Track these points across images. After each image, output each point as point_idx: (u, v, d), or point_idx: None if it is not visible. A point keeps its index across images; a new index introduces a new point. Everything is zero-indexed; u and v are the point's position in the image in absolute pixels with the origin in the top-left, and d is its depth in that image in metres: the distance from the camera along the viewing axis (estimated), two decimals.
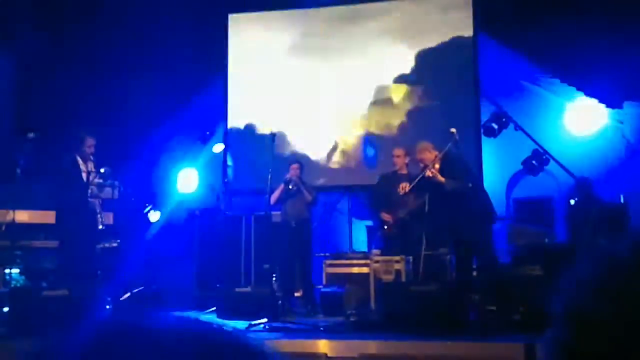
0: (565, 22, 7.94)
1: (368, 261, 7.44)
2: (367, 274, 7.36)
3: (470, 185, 6.73)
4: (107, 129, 7.72)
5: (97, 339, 0.62)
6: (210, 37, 9.77)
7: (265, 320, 6.16)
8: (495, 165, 8.86)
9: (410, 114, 9.30)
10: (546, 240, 7.87)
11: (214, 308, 7.24)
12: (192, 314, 6.66)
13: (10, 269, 7.09)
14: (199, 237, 8.93)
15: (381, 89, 9.43)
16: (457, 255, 6.95)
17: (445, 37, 9.20)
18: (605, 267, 0.75)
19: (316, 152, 9.49)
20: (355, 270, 7.54)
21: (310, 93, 9.60)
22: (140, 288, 7.41)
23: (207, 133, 9.79)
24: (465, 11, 9.13)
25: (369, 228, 8.85)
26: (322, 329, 5.96)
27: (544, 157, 8.39)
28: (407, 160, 7.59)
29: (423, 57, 9.28)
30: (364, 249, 8.45)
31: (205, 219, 9.05)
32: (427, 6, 9.36)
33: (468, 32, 9.09)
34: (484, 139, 8.62)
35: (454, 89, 9.04)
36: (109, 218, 7.67)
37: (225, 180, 9.48)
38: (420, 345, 5.11)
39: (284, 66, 9.66)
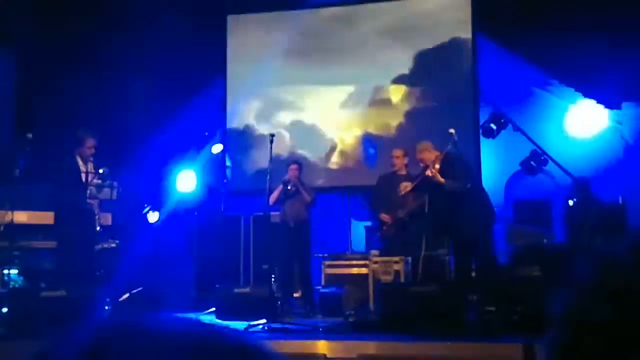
0: (563, 23, 7.96)
1: (367, 262, 7.44)
2: (366, 275, 7.36)
3: (469, 185, 6.74)
4: (106, 130, 7.71)
5: (95, 340, 0.61)
6: (210, 38, 9.77)
7: (264, 321, 6.15)
8: (494, 166, 8.87)
9: (408, 114, 9.31)
10: (545, 240, 7.88)
11: (213, 309, 7.24)
12: (191, 315, 6.66)
13: (9, 269, 7.07)
14: (198, 238, 8.93)
15: (380, 90, 9.43)
16: (456, 256, 6.96)
17: (444, 38, 9.20)
18: (604, 268, 0.75)
19: (315, 153, 9.49)
20: (354, 270, 7.54)
21: (309, 94, 9.61)
22: (139, 289, 7.40)
23: (206, 134, 9.79)
24: (464, 12, 9.13)
25: (368, 229, 8.86)
26: (321, 329, 5.96)
27: (543, 157, 8.39)
28: (406, 161, 7.59)
29: (422, 58, 9.28)
30: (363, 249, 8.45)
31: (204, 220, 9.05)
32: (426, 7, 9.36)
33: (467, 33, 9.10)
34: (482, 139, 8.62)
35: (453, 90, 9.04)
36: (107, 219, 7.66)
37: (224, 180, 9.47)
38: (419, 345, 5.11)
39: (282, 67, 9.66)
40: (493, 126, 8.49)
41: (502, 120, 8.43)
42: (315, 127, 9.56)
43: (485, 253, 6.79)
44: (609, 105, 8.53)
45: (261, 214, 7.88)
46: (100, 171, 6.93)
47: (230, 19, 10.03)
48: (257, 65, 9.71)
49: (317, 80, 9.56)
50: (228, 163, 9.70)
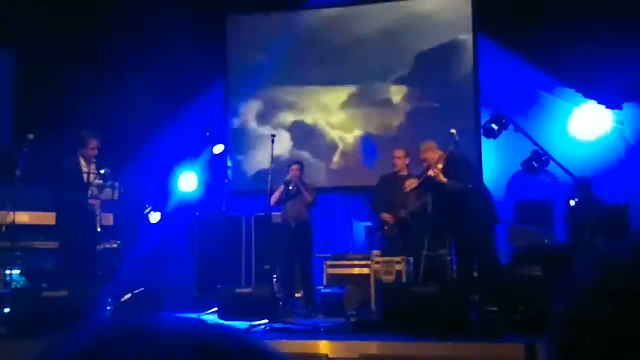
0: (564, 23, 7.95)
1: (368, 262, 7.44)
2: (368, 275, 7.36)
3: (470, 186, 6.73)
4: (107, 130, 7.72)
5: (97, 340, 0.61)
6: (210, 39, 9.78)
7: (265, 321, 6.16)
8: (495, 166, 8.86)
9: (409, 114, 9.31)
10: (546, 240, 7.87)
11: (215, 309, 7.24)
12: (193, 315, 6.66)
13: (11, 269, 7.08)
14: (200, 238, 8.93)
15: (380, 90, 9.43)
16: (457, 256, 6.95)
17: (445, 39, 9.20)
18: (605, 268, 0.75)
19: (316, 153, 9.49)
20: (356, 271, 7.54)
21: (310, 94, 9.61)
22: (141, 289, 7.40)
23: (207, 134, 9.79)
24: (465, 12, 9.13)
25: (369, 229, 8.85)
26: (322, 329, 5.95)
27: (544, 158, 8.38)
28: (407, 161, 7.60)
29: (422, 58, 9.28)
30: (365, 249, 8.45)
31: (205, 220, 9.05)
32: (426, 7, 9.36)
33: (467, 33, 9.09)
34: (483, 140, 8.61)
35: (453, 90, 9.04)
36: (109, 219, 7.67)
37: (225, 181, 9.48)
38: (421, 345, 5.11)
39: (283, 67, 9.66)
40: (494, 126, 8.48)
41: (504, 121, 8.43)
42: (316, 128, 9.56)
43: (487, 253, 6.78)
44: (609, 105, 8.52)
45: (262, 214, 7.88)
46: (102, 171, 6.93)
47: (231, 19, 10.03)
48: (258, 65, 9.71)
49: (318, 81, 9.56)
50: (229, 163, 9.71)
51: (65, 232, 6.96)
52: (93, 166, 7.02)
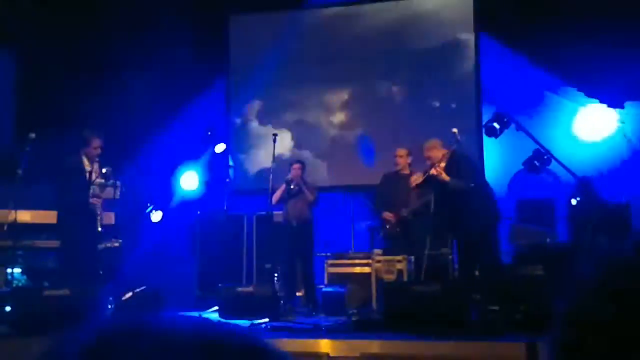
0: (565, 22, 7.94)
1: (370, 261, 7.44)
2: (369, 274, 7.36)
3: (472, 185, 6.72)
4: (109, 129, 7.72)
5: (99, 339, 0.61)
6: (211, 38, 9.78)
7: (267, 320, 6.16)
8: (497, 165, 8.85)
9: (411, 114, 9.30)
10: (548, 240, 7.86)
11: (216, 308, 7.25)
12: (194, 314, 6.67)
13: (12, 268, 7.09)
14: (201, 237, 8.94)
15: (382, 89, 9.43)
16: (459, 255, 6.95)
17: (446, 38, 9.20)
18: (607, 267, 0.75)
19: (317, 152, 9.49)
20: (357, 270, 7.54)
21: (311, 93, 9.61)
22: (142, 288, 7.41)
23: (209, 133, 9.80)
24: (466, 11, 9.12)
25: (370, 228, 8.85)
26: (323, 328, 5.95)
27: (546, 157, 8.37)
28: (409, 160, 7.60)
29: (423, 58, 9.27)
30: (366, 248, 8.45)
31: (206, 219, 9.06)
32: (427, 7, 9.36)
33: (469, 32, 9.09)
34: (485, 139, 8.61)
35: (455, 89, 9.04)
36: (110, 218, 7.68)
37: (227, 180, 9.48)
38: (422, 344, 5.10)
39: (284, 67, 9.66)
40: (496, 125, 8.48)
41: (505, 120, 8.42)
42: (317, 127, 9.56)
43: (489, 252, 6.77)
44: (611, 104, 8.52)
45: (264, 213, 7.89)
46: (104, 170, 6.94)
47: (232, 19, 10.03)
48: (259, 65, 9.72)
49: (319, 80, 9.56)
50: (231, 162, 9.71)
51: (66, 231, 6.97)
52: (96, 165, 7.03)
